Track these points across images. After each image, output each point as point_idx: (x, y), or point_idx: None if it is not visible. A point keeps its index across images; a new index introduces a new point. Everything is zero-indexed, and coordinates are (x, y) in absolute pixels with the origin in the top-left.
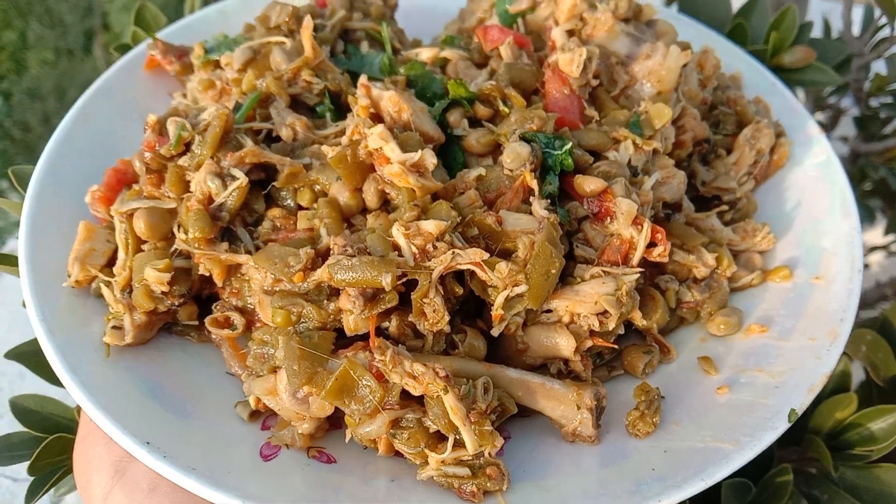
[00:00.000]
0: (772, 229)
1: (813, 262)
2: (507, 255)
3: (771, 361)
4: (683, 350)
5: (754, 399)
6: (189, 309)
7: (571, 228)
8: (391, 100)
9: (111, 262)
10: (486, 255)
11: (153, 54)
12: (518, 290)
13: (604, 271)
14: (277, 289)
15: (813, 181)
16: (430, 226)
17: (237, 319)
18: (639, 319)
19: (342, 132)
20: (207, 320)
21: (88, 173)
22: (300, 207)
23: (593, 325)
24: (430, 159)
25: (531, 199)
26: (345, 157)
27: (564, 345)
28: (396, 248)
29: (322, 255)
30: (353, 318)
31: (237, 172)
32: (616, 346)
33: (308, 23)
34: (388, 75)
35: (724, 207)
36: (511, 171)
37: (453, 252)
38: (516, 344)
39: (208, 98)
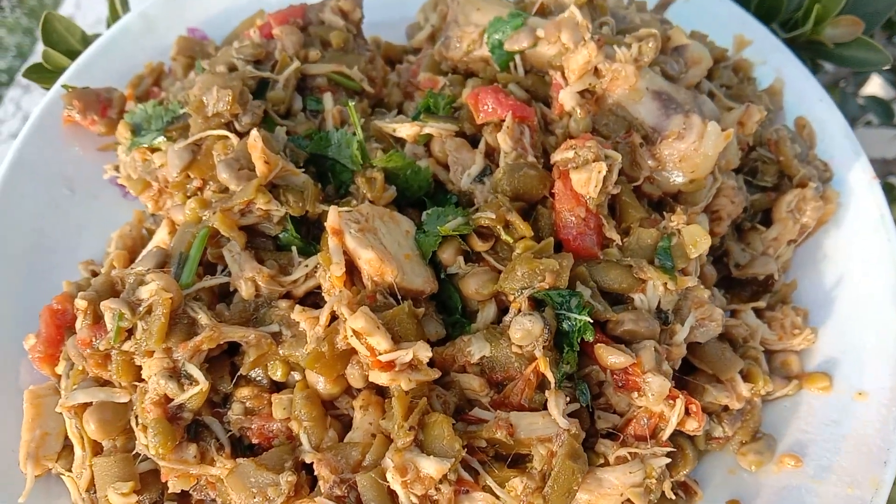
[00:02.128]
0: (807, 303)
1: (855, 366)
2: (520, 460)
3: None
4: (709, 486)
5: None
6: (167, 493)
7: (592, 392)
8: (372, 265)
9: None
10: (498, 503)
11: (70, 115)
12: None
13: (630, 453)
14: None
15: (861, 250)
16: (431, 468)
17: None
18: (667, 485)
19: (314, 272)
20: None
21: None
22: (273, 382)
23: None
24: (425, 353)
25: (546, 392)
26: (321, 356)
27: None
28: (392, 494)
29: (306, 468)
30: None
31: (194, 371)
32: None
33: (256, 137)
34: (359, 167)
35: (761, 305)
36: (521, 347)
37: (458, 498)
38: None
39: (145, 197)
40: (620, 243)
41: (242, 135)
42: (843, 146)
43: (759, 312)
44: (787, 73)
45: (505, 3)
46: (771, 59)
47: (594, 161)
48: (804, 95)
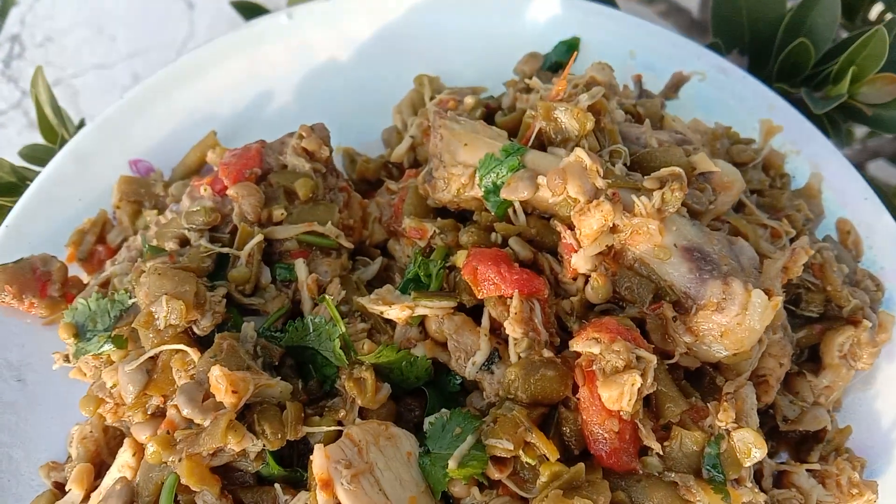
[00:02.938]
0: (862, 450)
1: None
2: None
3: None
4: None
5: None
6: None
7: None
8: None
9: None
10: None
11: (3, 300)
12: None
13: None
14: None
15: None
16: None
17: None
18: None
19: None
20: None
21: None
22: None
23: None
24: None
25: None
26: None
27: None
28: None
29: None
30: None
31: None
32: None
33: (219, 378)
34: (345, 364)
35: (817, 467)
36: None
37: None
38: None
39: (102, 411)
40: (661, 452)
41: (203, 339)
42: (894, 255)
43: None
44: (824, 167)
45: (495, 134)
46: (805, 148)
47: (624, 369)
48: (845, 193)
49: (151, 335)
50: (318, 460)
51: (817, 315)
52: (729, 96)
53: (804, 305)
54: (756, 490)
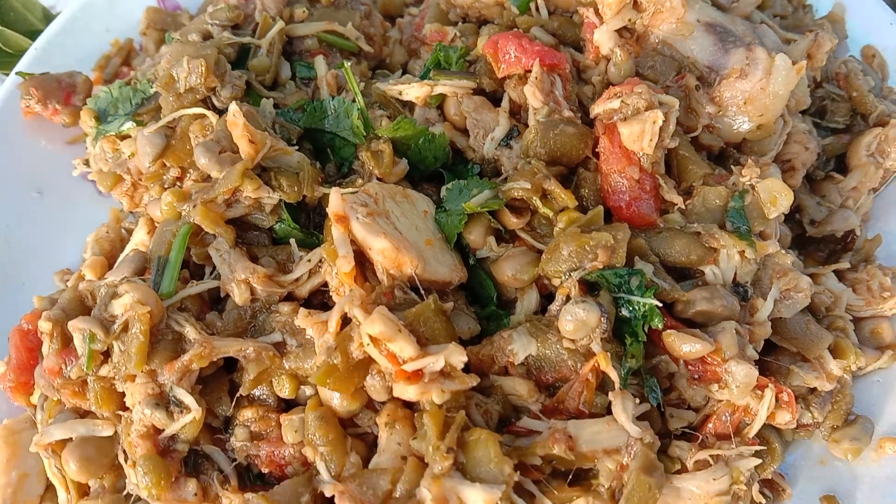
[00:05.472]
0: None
1: None
2: (582, 475)
3: None
4: (799, 480)
5: None
6: None
7: (662, 387)
8: (386, 256)
9: None
10: None
11: (30, 105)
12: None
13: (712, 456)
14: None
15: None
16: (478, 499)
17: None
18: (755, 489)
19: (318, 267)
20: None
21: None
22: (280, 400)
23: None
24: (459, 358)
25: (610, 394)
26: (333, 369)
27: None
28: None
29: (326, 502)
30: None
31: (185, 396)
32: None
33: (235, 112)
34: (363, 140)
35: (844, 265)
36: (574, 341)
37: None
38: None
39: (118, 193)
40: (683, 207)
41: (222, 112)
42: None
43: (840, 274)
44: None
45: None
46: None
47: (647, 110)
48: (871, 20)
49: (172, 99)
50: (334, 199)
51: (844, 127)
52: None
53: (829, 117)
54: (782, 251)
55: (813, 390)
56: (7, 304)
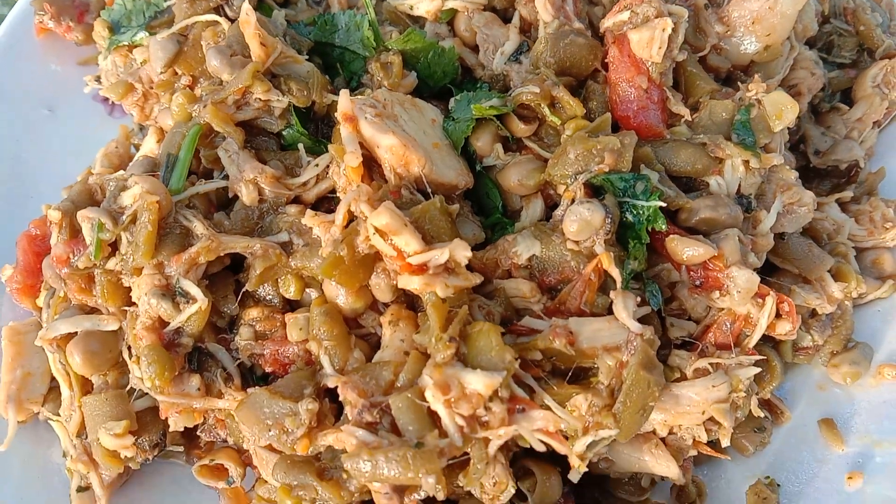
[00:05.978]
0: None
1: None
2: (581, 374)
3: None
4: (798, 404)
5: None
6: (171, 434)
7: (663, 296)
8: (394, 153)
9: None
10: (561, 422)
11: (43, 22)
12: (604, 433)
13: (712, 364)
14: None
15: None
16: (479, 384)
17: (234, 471)
18: (753, 401)
19: (326, 172)
20: (196, 469)
21: None
22: (286, 301)
23: (699, 436)
24: (463, 252)
25: (612, 293)
26: (340, 260)
27: (665, 470)
28: (433, 416)
29: (329, 394)
30: None
31: (191, 287)
32: (728, 457)
33: (248, 11)
34: (373, 52)
35: (847, 195)
36: (577, 242)
37: (513, 417)
38: (596, 464)
39: (129, 103)
40: (689, 119)
41: (234, 20)
42: None
43: (843, 206)
44: None
45: None
46: None
47: (657, 17)
48: None
49: (185, 6)
50: (343, 100)
51: (850, 62)
52: None
53: (836, 51)
54: (786, 165)
55: (813, 314)
56: (16, 216)
